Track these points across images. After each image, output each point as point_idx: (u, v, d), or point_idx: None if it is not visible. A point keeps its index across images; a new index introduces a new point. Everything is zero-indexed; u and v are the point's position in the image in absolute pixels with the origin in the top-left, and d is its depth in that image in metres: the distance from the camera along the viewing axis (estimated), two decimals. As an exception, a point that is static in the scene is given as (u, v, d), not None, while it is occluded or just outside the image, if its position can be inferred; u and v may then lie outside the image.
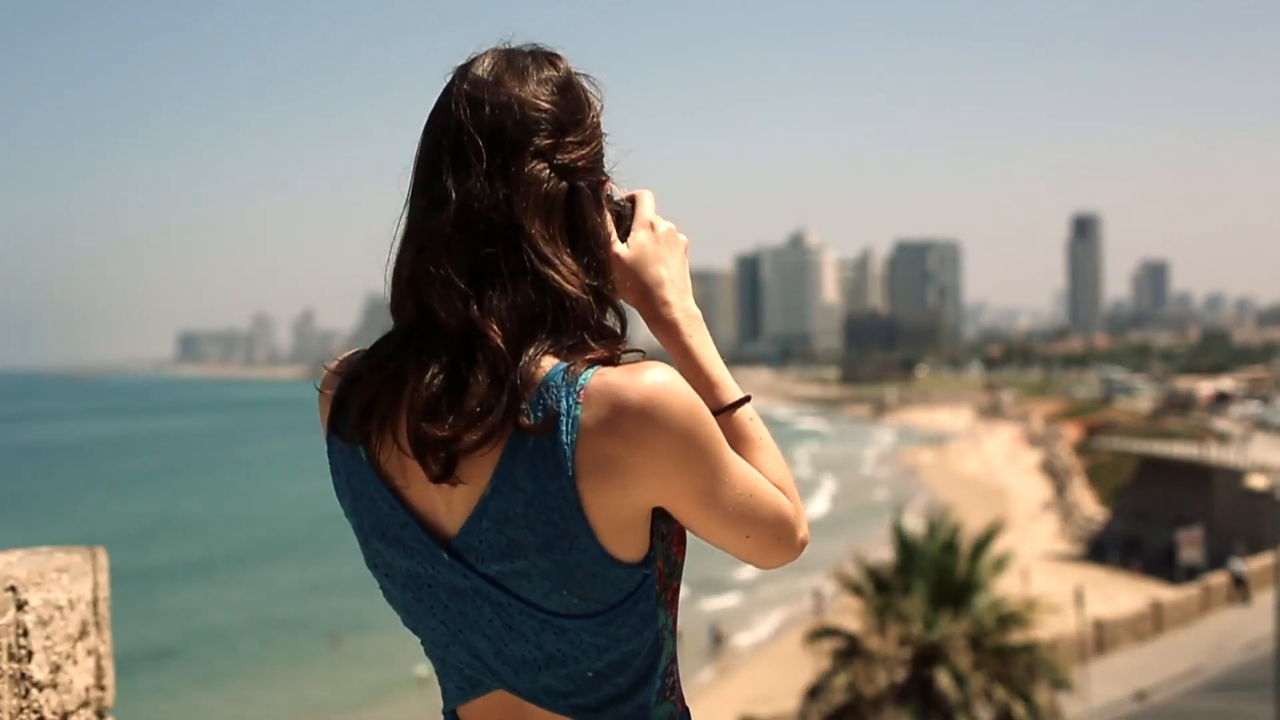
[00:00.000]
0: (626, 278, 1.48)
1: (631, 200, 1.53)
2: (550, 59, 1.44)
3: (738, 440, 1.43)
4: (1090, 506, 60.90)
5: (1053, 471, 74.73)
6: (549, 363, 1.31)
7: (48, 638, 2.22)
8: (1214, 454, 53.45)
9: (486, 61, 1.41)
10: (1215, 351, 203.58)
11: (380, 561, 1.42)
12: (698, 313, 1.52)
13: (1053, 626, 25.33)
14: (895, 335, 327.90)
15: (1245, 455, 51.77)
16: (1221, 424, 74.25)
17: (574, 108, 1.42)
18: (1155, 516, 50.79)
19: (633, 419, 1.27)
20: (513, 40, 1.45)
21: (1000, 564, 22.53)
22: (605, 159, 1.47)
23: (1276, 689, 23.02)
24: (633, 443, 1.28)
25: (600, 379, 1.29)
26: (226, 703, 34.47)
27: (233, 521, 68.93)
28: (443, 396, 1.30)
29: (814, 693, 21.04)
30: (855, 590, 22.25)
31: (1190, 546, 41.87)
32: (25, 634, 2.17)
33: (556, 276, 1.33)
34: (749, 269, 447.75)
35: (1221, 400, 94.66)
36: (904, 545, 22.38)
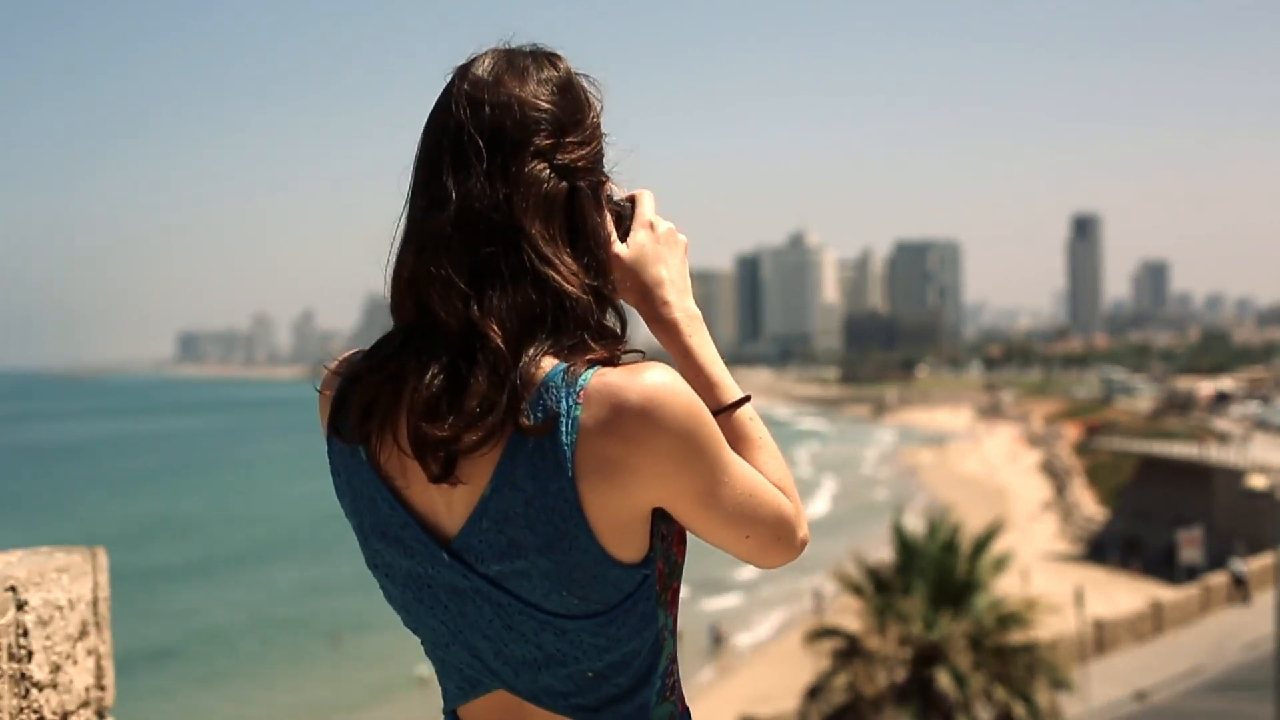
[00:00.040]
0: (626, 278, 1.48)
1: (631, 200, 1.53)
2: (550, 59, 1.44)
3: (738, 440, 1.43)
4: (1090, 506, 60.91)
5: (1053, 471, 74.74)
6: (549, 363, 1.31)
7: (48, 638, 2.22)
8: (1214, 454, 53.45)
9: (486, 61, 1.41)
10: (1215, 351, 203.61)
11: (380, 562, 1.42)
12: (698, 313, 1.52)
13: (1053, 626, 25.32)
14: (895, 335, 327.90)
15: (1245, 455, 51.78)
16: (1221, 424, 74.26)
17: (574, 108, 1.42)
18: (1155, 516, 50.80)
19: (632, 419, 1.27)
20: (513, 40, 1.45)
21: (1000, 564, 22.53)
22: (605, 159, 1.47)
23: (1276, 689, 23.02)
24: (632, 443, 1.28)
25: (600, 379, 1.29)
26: (226, 703, 34.48)
27: (233, 521, 68.95)
28: (443, 396, 1.30)
29: (814, 693, 21.05)
30: (855, 590, 22.25)
31: (1190, 546, 41.88)
32: (25, 634, 2.16)
33: (556, 276, 1.33)
34: (749, 269, 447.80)
35: (1221, 400, 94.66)
36: (904, 545, 22.38)
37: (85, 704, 2.34)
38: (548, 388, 1.29)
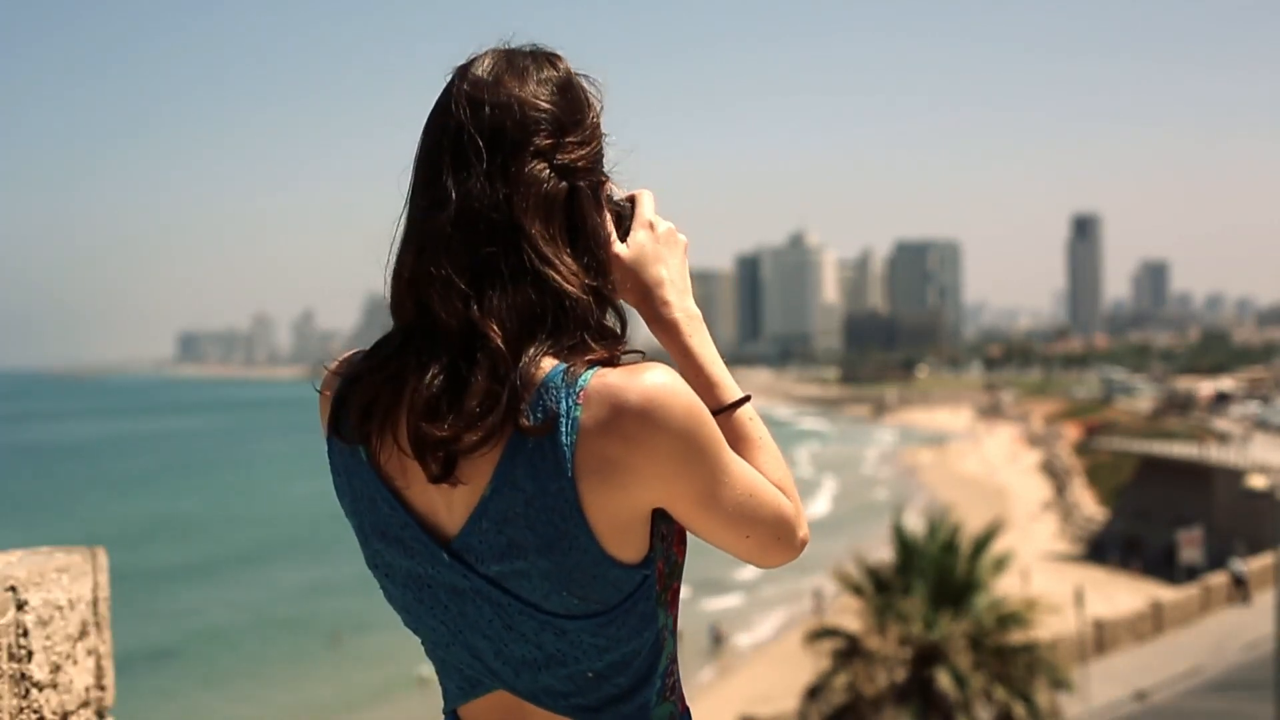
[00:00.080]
0: (626, 278, 1.48)
1: (631, 200, 1.53)
2: (550, 59, 1.44)
3: (737, 440, 1.43)
4: (1090, 506, 60.90)
5: (1053, 471, 74.73)
6: (549, 363, 1.31)
7: (48, 638, 2.22)
8: (1214, 454, 53.45)
9: (486, 62, 1.41)
10: (1215, 351, 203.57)
11: (380, 562, 1.42)
12: (698, 313, 1.52)
13: (1053, 626, 25.32)
14: (895, 335, 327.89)
15: (1245, 455, 51.78)
16: (1221, 424, 74.24)
17: (574, 108, 1.42)
18: (1155, 516, 50.80)
19: (632, 420, 1.27)
20: (513, 40, 1.45)
21: (1000, 564, 22.53)
22: (605, 159, 1.47)
23: (1276, 689, 23.02)
24: (632, 444, 1.28)
25: (600, 380, 1.29)
26: (227, 703, 34.48)
27: (233, 521, 68.94)
28: (443, 397, 1.30)
29: (814, 693, 21.05)
30: (855, 590, 22.25)
31: (1190, 546, 41.87)
32: (25, 634, 2.16)
33: (556, 276, 1.33)
34: (749, 269, 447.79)
35: (1221, 400, 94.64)
36: (904, 545, 22.37)
37: (85, 704, 2.34)
38: (547, 388, 1.29)
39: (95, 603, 2.40)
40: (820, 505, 66.78)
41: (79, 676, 2.32)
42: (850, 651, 21.02)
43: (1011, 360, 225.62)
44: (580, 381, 1.29)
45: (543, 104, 1.39)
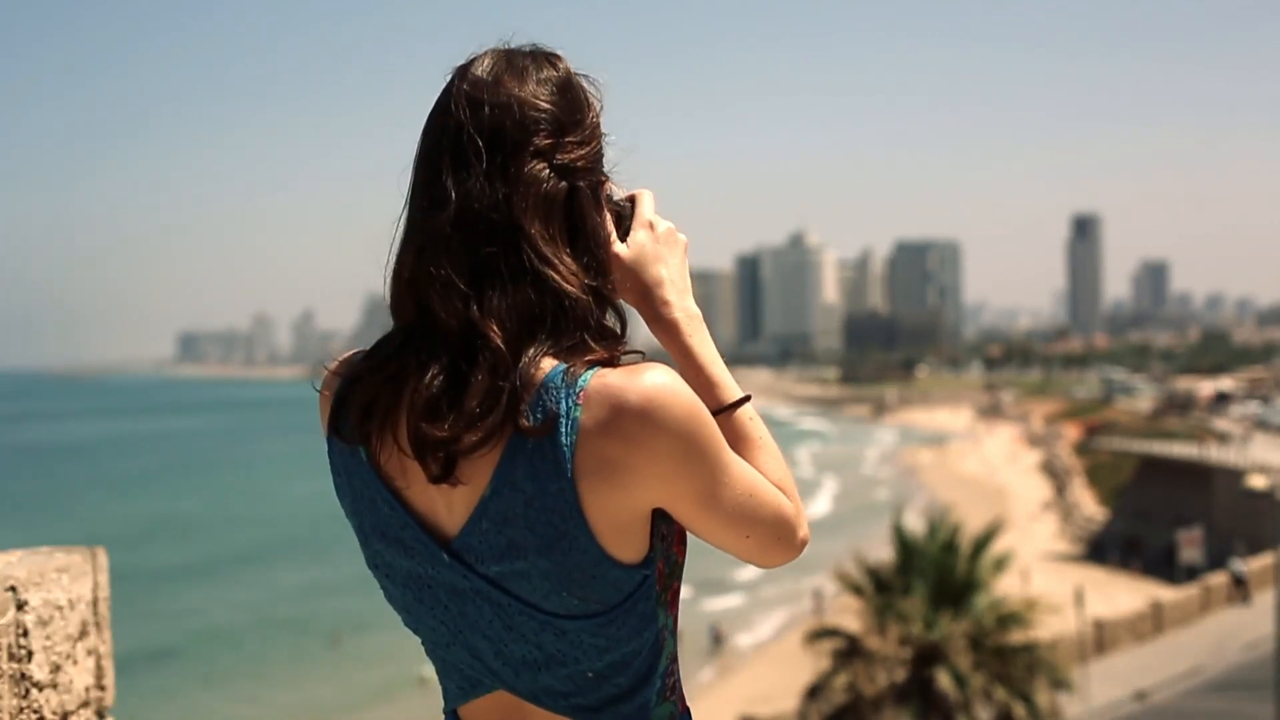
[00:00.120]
0: (626, 278, 1.48)
1: (631, 200, 1.53)
2: (550, 59, 1.44)
3: (738, 440, 1.43)
4: (1090, 506, 60.90)
5: (1053, 471, 74.73)
6: (549, 364, 1.31)
7: (48, 638, 2.22)
8: (1214, 454, 53.45)
9: (486, 62, 1.41)
10: (1215, 351, 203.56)
11: (381, 562, 1.42)
12: (698, 312, 1.52)
13: (1053, 626, 25.32)
14: (895, 335, 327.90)
15: (1245, 455, 51.78)
16: (1221, 424, 74.24)
17: (573, 108, 1.42)
18: (1155, 516, 50.80)
19: (632, 420, 1.27)
20: (512, 40, 1.45)
21: (1000, 564, 22.53)
22: (605, 159, 1.47)
23: (1276, 689, 23.02)
24: (632, 444, 1.28)
25: (600, 380, 1.29)
26: (227, 703, 34.48)
27: (233, 521, 68.94)
28: (443, 397, 1.30)
29: (814, 693, 21.05)
30: (855, 590, 22.25)
31: (1190, 546, 41.86)
32: (25, 634, 2.16)
33: (556, 276, 1.33)
34: (749, 269, 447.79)
35: (1221, 400, 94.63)
36: (904, 545, 22.37)
37: (85, 704, 2.34)
38: (547, 389, 1.29)
39: (95, 603, 2.40)
40: (821, 505, 66.79)
41: (79, 676, 2.32)
42: (850, 651, 21.02)
43: (1011, 360, 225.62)
44: (580, 382, 1.29)
45: (542, 104, 1.39)
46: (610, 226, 1.47)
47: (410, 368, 1.33)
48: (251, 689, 35.59)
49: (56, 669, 2.24)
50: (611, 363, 1.33)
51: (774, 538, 1.41)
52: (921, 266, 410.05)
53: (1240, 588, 36.60)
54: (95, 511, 70.34)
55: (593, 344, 1.34)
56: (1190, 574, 39.72)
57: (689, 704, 1.49)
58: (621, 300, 1.45)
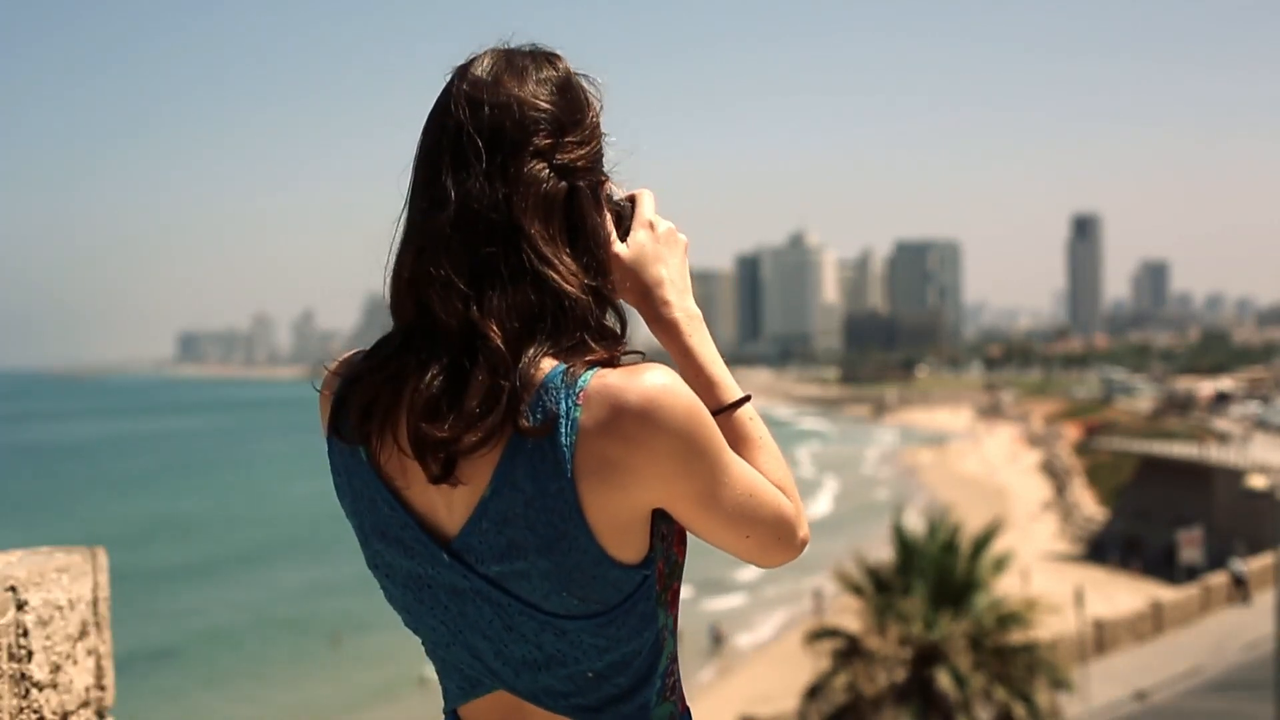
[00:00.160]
0: (626, 278, 1.48)
1: (631, 200, 1.53)
2: (549, 59, 1.44)
3: (738, 440, 1.43)
4: (1090, 506, 60.90)
5: (1053, 471, 74.73)
6: (548, 364, 1.31)
7: (48, 638, 2.22)
8: (1214, 454, 53.45)
9: (486, 61, 1.41)
10: (1215, 351, 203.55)
11: (381, 562, 1.42)
12: (698, 312, 1.52)
13: (1053, 626, 25.31)
14: (895, 335, 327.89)
15: (1245, 455, 51.77)
16: (1221, 424, 74.23)
17: (573, 107, 1.42)
18: (1155, 516, 50.80)
19: (632, 421, 1.27)
20: (512, 40, 1.45)
21: (1000, 564, 22.53)
22: (605, 159, 1.46)
23: (1276, 689, 23.02)
24: (632, 444, 1.28)
25: (599, 381, 1.29)
26: (227, 703, 34.48)
27: (233, 521, 68.94)
28: (443, 397, 1.30)
29: (814, 693, 21.05)
30: (855, 590, 22.25)
31: (1190, 546, 41.86)
32: (25, 634, 2.16)
33: (556, 276, 1.33)
34: (749, 269, 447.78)
35: (1221, 400, 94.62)
36: (904, 545, 22.37)
37: (85, 704, 2.34)
38: (547, 389, 1.29)
39: (95, 603, 2.40)
40: (822, 505, 66.81)
41: (79, 676, 2.32)
42: (850, 651, 21.02)
43: (1011, 360, 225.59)
44: (580, 382, 1.29)
45: (542, 104, 1.39)
46: (610, 226, 1.47)
47: (410, 368, 1.33)
48: (252, 689, 35.60)
49: (56, 669, 2.24)
50: (611, 363, 1.33)
51: (774, 538, 1.41)
52: (921, 266, 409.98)
53: (1240, 588, 36.60)
54: (95, 511, 70.33)
55: (593, 344, 1.34)
56: (1190, 574, 39.71)
57: (689, 704, 1.49)
58: (621, 300, 1.45)
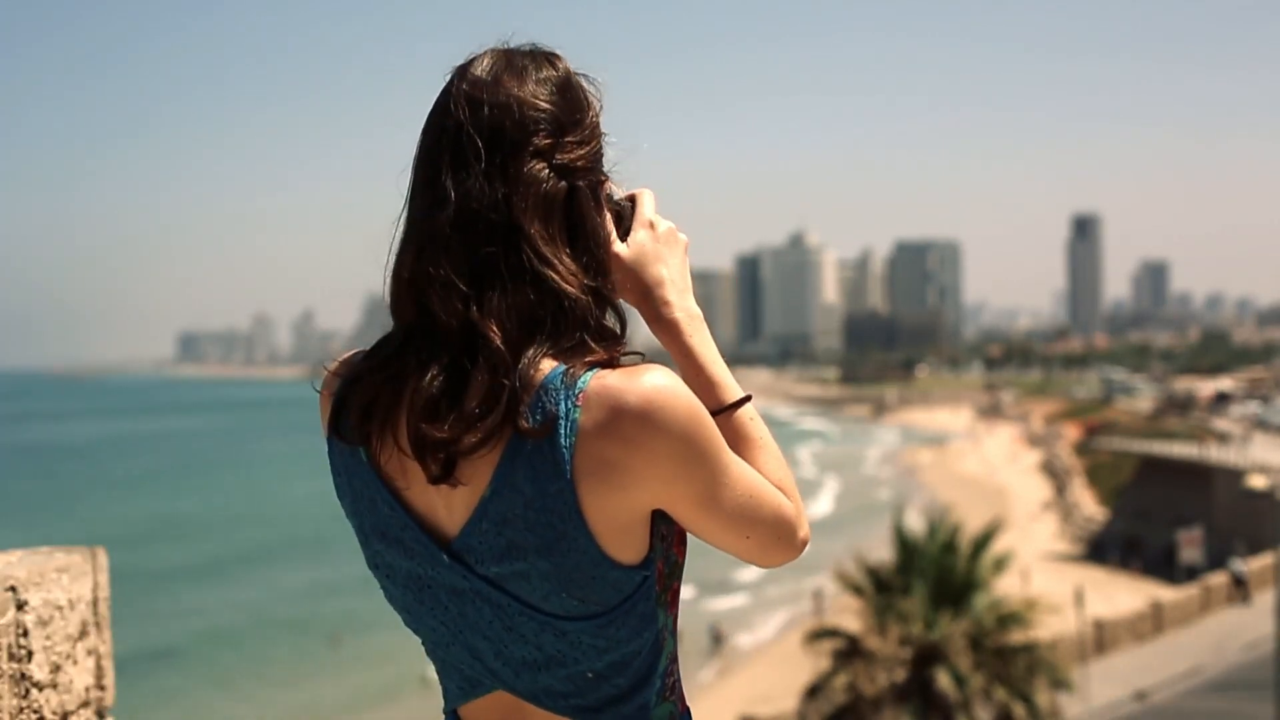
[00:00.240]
0: (627, 277, 1.48)
1: (631, 200, 1.53)
2: (549, 59, 1.44)
3: (738, 440, 1.43)
4: (1090, 506, 60.89)
5: (1053, 471, 74.72)
6: (548, 365, 1.31)
7: (48, 638, 2.22)
8: (1214, 454, 53.44)
9: (485, 61, 1.41)
10: (1215, 351, 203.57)
11: (381, 562, 1.42)
12: (698, 312, 1.52)
13: (1053, 626, 25.31)
14: (895, 335, 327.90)
15: (1245, 455, 51.76)
16: (1221, 424, 74.20)
17: (573, 107, 1.42)
18: (1155, 516, 50.79)
19: (631, 422, 1.27)
20: (512, 40, 1.45)
21: (1000, 564, 22.53)
22: (605, 158, 1.46)
23: (1276, 689, 23.01)
24: (631, 445, 1.28)
25: (599, 382, 1.29)
26: (227, 703, 34.49)
27: (233, 521, 68.92)
28: (443, 398, 1.30)
29: (814, 693, 21.05)
30: (855, 590, 22.26)
31: (1190, 546, 41.85)
32: (25, 634, 2.16)
33: (555, 276, 1.33)
34: (749, 269, 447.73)
35: (1221, 400, 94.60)
36: (904, 545, 22.37)
37: (85, 704, 2.34)
38: (547, 390, 1.29)
39: (95, 603, 2.40)
40: (823, 505, 66.84)
41: (79, 676, 2.31)
42: (850, 651, 21.02)
43: (1011, 360, 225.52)
44: (580, 383, 1.29)
45: (542, 104, 1.38)
46: (610, 226, 1.47)
47: (410, 368, 1.33)
48: (252, 689, 35.60)
49: (56, 669, 2.24)
50: (611, 364, 1.33)
51: (774, 538, 1.41)
52: (921, 266, 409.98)
53: (1240, 588, 36.59)
54: (95, 511, 70.29)
55: (592, 345, 1.34)
56: (1190, 574, 39.70)
57: (689, 704, 1.49)
58: (622, 300, 1.45)
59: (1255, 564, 37.54)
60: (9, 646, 2.13)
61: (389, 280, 1.39)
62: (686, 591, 1.53)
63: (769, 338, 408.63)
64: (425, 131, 1.41)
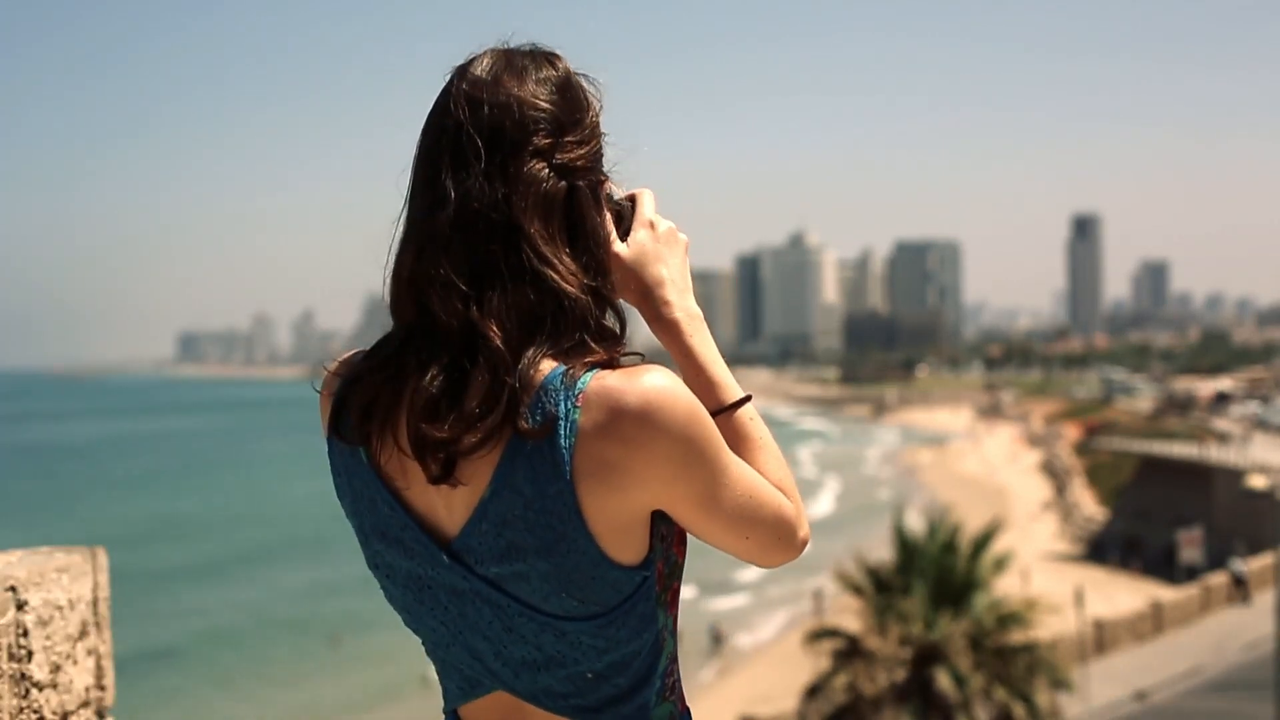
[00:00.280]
0: (627, 277, 1.48)
1: (631, 199, 1.53)
2: (549, 59, 1.44)
3: (738, 440, 1.43)
4: (1090, 506, 60.89)
5: (1053, 471, 74.71)
6: (548, 365, 1.31)
7: (48, 638, 2.22)
8: (1214, 454, 53.43)
9: (485, 61, 1.41)
10: (1215, 351, 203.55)
11: (381, 562, 1.42)
12: (699, 312, 1.51)
13: (1053, 626, 25.31)
14: (895, 335, 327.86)
15: (1245, 455, 51.75)
16: (1221, 424, 74.19)
17: (573, 107, 1.42)
18: (1155, 516, 50.78)
19: (631, 423, 1.27)
20: (512, 40, 1.45)
21: (1000, 564, 22.53)
22: (605, 158, 1.46)
23: (1276, 689, 23.01)
24: (631, 446, 1.27)
25: (599, 383, 1.29)
26: (227, 703, 34.49)
27: (233, 521, 68.92)
28: (442, 397, 1.30)
29: (814, 693, 21.05)
30: (855, 590, 22.25)
31: (1190, 546, 41.85)
32: (25, 634, 2.16)
33: (555, 276, 1.33)
34: (749, 269, 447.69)
35: (1221, 400, 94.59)
36: (904, 545, 22.37)
37: (85, 704, 2.34)
38: (546, 390, 1.29)
39: (95, 603, 2.40)
40: (823, 505, 66.85)
41: (79, 676, 2.31)
42: (850, 651, 21.01)
43: (1011, 360, 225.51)
44: (579, 384, 1.29)
45: (541, 103, 1.38)
46: (610, 226, 1.46)
47: (410, 368, 1.33)
48: (252, 689, 35.60)
49: (56, 669, 2.24)
50: (611, 364, 1.33)
51: (774, 538, 1.41)
52: (921, 266, 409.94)
53: (1240, 588, 36.59)
54: (95, 511, 70.27)
55: (592, 345, 1.34)
56: (1190, 574, 39.70)
57: (689, 704, 1.49)
58: (622, 300, 1.45)
59: (1255, 564, 37.54)
60: (9, 646, 2.13)
61: (389, 280, 1.39)
62: (686, 591, 1.53)
63: (769, 338, 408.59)
64: (425, 131, 1.41)
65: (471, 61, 1.42)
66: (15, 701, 2.14)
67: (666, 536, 1.38)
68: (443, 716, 1.48)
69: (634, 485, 1.29)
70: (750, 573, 45.61)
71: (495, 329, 1.30)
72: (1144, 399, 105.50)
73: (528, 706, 1.38)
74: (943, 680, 20.02)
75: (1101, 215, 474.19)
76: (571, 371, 1.30)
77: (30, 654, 2.17)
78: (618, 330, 1.40)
